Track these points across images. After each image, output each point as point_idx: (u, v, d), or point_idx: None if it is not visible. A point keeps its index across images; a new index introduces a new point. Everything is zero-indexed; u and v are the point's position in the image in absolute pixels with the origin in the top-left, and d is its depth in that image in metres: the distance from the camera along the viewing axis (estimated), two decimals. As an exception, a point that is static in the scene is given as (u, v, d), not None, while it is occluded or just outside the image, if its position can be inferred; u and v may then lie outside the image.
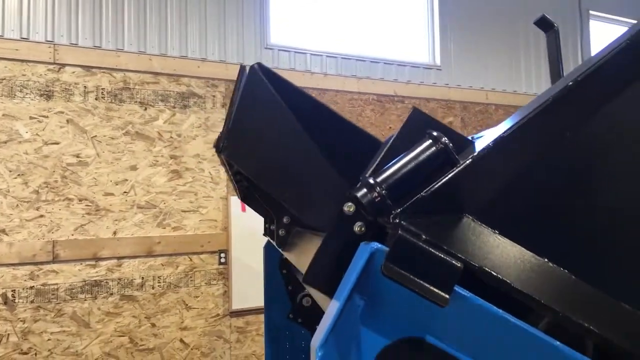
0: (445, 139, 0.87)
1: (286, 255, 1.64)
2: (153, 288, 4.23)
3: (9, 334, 3.76)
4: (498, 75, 6.03)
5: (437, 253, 0.81)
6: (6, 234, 3.81)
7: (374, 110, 5.28)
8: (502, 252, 0.88)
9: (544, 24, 2.25)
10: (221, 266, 4.46)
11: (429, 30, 5.77)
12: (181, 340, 4.31)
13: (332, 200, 0.94)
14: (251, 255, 4.43)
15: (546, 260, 0.92)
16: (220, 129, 4.52)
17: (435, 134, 0.88)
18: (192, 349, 4.34)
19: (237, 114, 0.98)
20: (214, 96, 4.57)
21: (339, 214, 0.91)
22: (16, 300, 3.80)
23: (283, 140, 1.07)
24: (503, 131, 0.87)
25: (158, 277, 4.25)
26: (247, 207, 2.30)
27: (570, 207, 0.93)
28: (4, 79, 3.89)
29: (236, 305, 4.48)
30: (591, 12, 6.68)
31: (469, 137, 2.01)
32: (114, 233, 4.14)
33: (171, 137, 4.39)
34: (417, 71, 5.56)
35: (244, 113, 1.00)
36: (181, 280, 4.33)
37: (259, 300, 4.01)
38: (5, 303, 3.76)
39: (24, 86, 3.94)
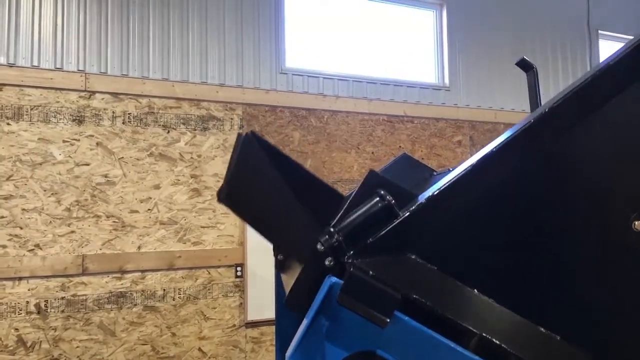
0: (390, 197, 1.12)
1: (282, 277, 1.89)
2: (174, 299, 4.52)
3: (41, 341, 4.09)
4: (506, 94, 6.22)
5: (380, 286, 1.06)
6: (40, 249, 4.15)
7: (384, 130, 5.53)
8: (436, 284, 1.13)
9: (524, 65, 2.49)
10: (237, 279, 4.74)
11: (437, 52, 6.01)
12: (200, 349, 4.59)
13: (308, 240, 1.19)
14: (266, 269, 4.69)
15: (475, 291, 1.16)
16: (238, 150, 4.82)
17: (382, 192, 1.13)
18: (210, 358, 4.61)
19: (234, 171, 1.23)
20: (231, 119, 4.88)
21: (312, 251, 1.17)
22: (48, 310, 4.13)
23: (270, 193, 1.33)
24: (434, 190, 1.11)
25: (178, 289, 4.55)
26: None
27: (490, 250, 1.17)
28: (40, 105, 4.25)
29: (251, 316, 4.74)
30: (600, 31, 6.83)
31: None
32: (139, 248, 4.45)
33: (192, 157, 4.70)
34: (426, 92, 5.79)
35: (239, 171, 1.25)
36: (200, 292, 4.62)
37: (273, 312, 4.27)
38: (38, 312, 4.09)
39: (57, 112, 4.29)
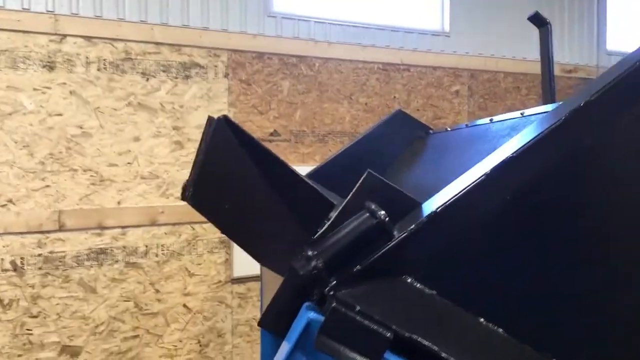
0: (382, 213, 0.90)
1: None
2: (157, 256, 4.37)
3: (19, 299, 3.95)
4: (508, 41, 5.88)
5: (368, 324, 0.86)
6: (13, 204, 3.93)
7: (378, 80, 5.23)
8: (435, 315, 0.93)
9: (537, 20, 2.21)
10: (223, 235, 4.57)
11: (438, -5, 5.61)
12: (184, 305, 4.49)
13: (286, 252, 0.99)
14: (252, 224, 4.53)
15: (482, 319, 0.97)
16: (223, 100, 4.55)
17: (373, 207, 0.91)
18: (195, 314, 4.52)
19: (202, 165, 1.02)
20: (216, 66, 4.56)
21: (290, 271, 0.96)
22: (25, 267, 3.96)
23: (245, 194, 1.11)
24: (437, 206, 0.90)
25: (161, 245, 4.39)
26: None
27: (502, 269, 0.97)
28: (7, 50, 3.91)
29: (237, 272, 4.62)
30: (611, -26, 6.41)
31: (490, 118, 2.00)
32: (118, 203, 4.24)
33: (173, 108, 4.41)
34: (424, 38, 5.45)
35: (209, 165, 1.03)
36: (184, 249, 4.46)
37: (259, 268, 4.15)
38: (14, 270, 3.93)
39: (26, 57, 3.96)
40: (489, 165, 0.91)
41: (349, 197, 0.98)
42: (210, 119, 1.19)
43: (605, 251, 0.98)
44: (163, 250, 4.39)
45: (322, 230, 0.93)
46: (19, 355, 3.95)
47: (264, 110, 4.75)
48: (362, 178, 0.99)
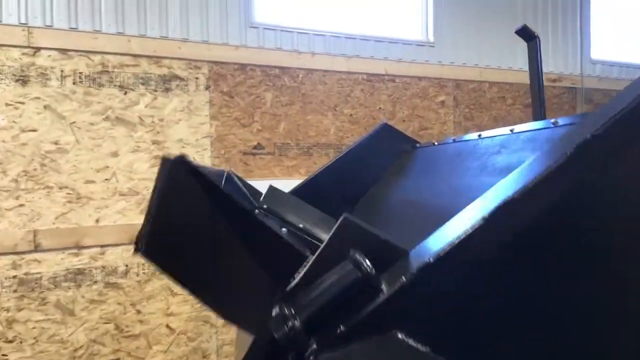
0: (368, 264, 0.80)
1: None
2: (137, 275, 4.22)
3: (-8, 324, 3.78)
4: (493, 50, 5.84)
5: (354, 394, 0.76)
6: (-14, 224, 3.77)
7: (363, 91, 5.15)
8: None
9: (525, 33, 2.14)
10: (206, 252, 4.44)
11: (422, 4, 5.56)
12: (167, 326, 4.34)
13: (256, 310, 0.88)
14: (236, 240, 4.40)
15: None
16: (205, 113, 4.42)
17: (357, 257, 0.81)
18: (178, 334, 4.38)
19: (158, 213, 0.91)
20: (197, 78, 4.44)
21: (263, 330, 0.85)
22: (-2, 290, 3.80)
23: (206, 245, 1.00)
24: (429, 255, 0.80)
25: (142, 264, 4.24)
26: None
27: (496, 323, 0.88)
28: (-23, 64, 3.76)
29: (222, 290, 4.48)
30: (593, -18, 6.42)
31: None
32: (97, 221, 4.10)
33: (153, 121, 4.28)
34: (409, 48, 5.38)
35: (164, 213, 0.93)
36: (166, 267, 4.31)
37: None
38: (-13, 293, 3.76)
39: (-2, 71, 3.81)
40: (487, 208, 0.82)
41: (323, 244, 0.87)
42: (164, 159, 1.07)
43: (621, 299, 0.89)
44: (144, 270, 4.25)
45: (294, 283, 0.83)
46: (-8, 383, 3.78)
47: (247, 122, 4.64)
48: (337, 223, 0.88)
